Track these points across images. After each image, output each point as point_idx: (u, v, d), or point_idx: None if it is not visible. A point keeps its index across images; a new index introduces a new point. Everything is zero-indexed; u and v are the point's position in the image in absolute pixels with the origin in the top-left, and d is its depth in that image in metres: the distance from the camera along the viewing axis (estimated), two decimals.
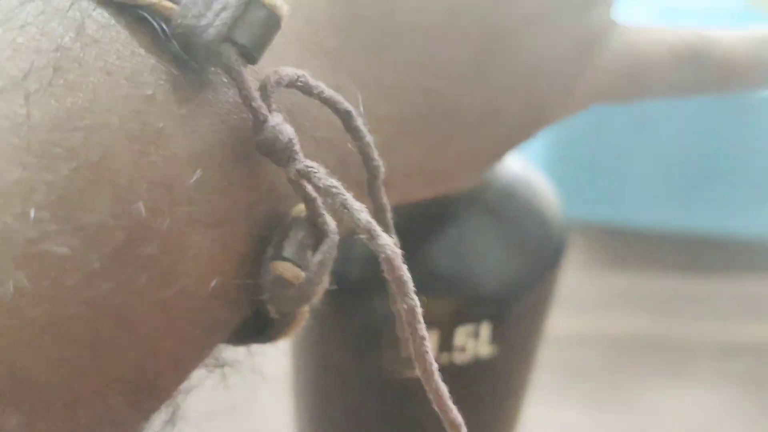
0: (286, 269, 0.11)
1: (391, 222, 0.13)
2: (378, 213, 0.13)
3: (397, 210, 0.19)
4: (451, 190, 0.18)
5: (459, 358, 0.19)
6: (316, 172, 0.11)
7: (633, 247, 0.54)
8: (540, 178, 0.23)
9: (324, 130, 0.12)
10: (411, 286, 0.11)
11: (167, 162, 0.10)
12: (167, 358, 0.11)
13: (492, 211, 0.20)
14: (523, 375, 0.23)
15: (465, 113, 0.14)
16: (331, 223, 0.12)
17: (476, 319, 0.19)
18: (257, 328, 0.12)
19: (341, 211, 0.11)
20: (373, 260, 0.18)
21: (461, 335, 0.19)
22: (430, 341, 0.18)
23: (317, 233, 0.12)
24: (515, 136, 0.16)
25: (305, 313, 0.12)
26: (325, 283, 0.12)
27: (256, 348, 0.14)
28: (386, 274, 0.11)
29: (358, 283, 0.19)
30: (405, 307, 0.11)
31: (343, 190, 0.11)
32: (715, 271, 0.52)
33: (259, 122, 0.10)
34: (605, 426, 0.39)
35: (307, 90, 0.11)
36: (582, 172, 0.53)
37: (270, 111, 0.10)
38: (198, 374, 0.12)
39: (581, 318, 0.47)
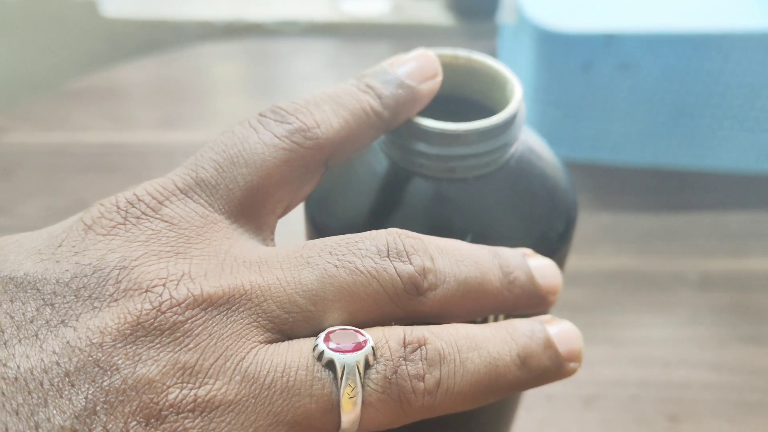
0: None
1: None
2: None
3: (424, 193, 0.19)
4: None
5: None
6: None
7: (616, 185, 0.55)
8: (546, 147, 0.23)
9: None
10: None
11: None
12: None
13: (511, 190, 0.20)
14: None
15: None
16: None
17: None
18: None
19: None
20: None
21: None
22: None
23: None
24: None
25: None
26: None
27: None
28: None
29: None
30: None
31: None
32: (695, 207, 0.54)
33: None
34: (597, 359, 0.42)
35: None
36: (568, 112, 0.54)
37: None
38: None
39: (569, 256, 0.48)
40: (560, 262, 0.22)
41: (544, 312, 0.19)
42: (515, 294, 0.17)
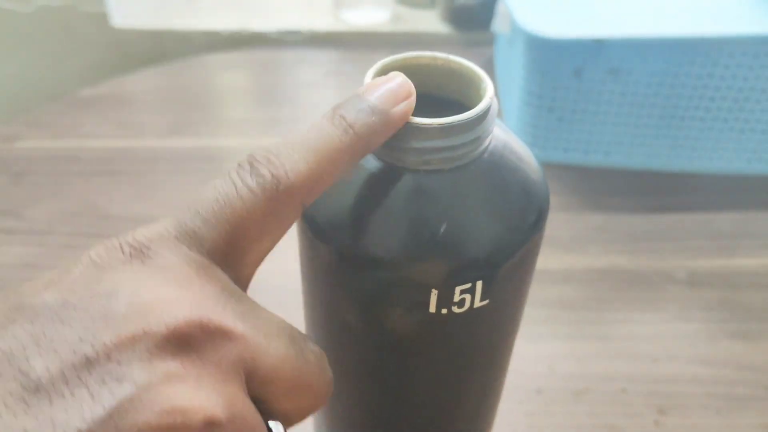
0: None
1: None
2: None
3: (402, 184, 0.21)
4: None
5: (457, 310, 0.22)
6: None
7: (608, 187, 0.57)
8: (522, 144, 0.25)
9: None
10: None
11: None
12: None
13: (484, 181, 0.21)
14: (513, 318, 0.25)
15: None
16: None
17: (472, 280, 0.21)
18: None
19: None
20: (379, 237, 0.21)
21: (459, 294, 0.21)
22: (431, 300, 0.21)
23: None
24: None
25: None
26: None
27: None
28: None
29: (366, 255, 0.21)
30: None
31: None
32: (684, 208, 0.55)
33: None
34: (586, 355, 0.43)
35: None
36: (560, 116, 0.55)
37: None
38: None
39: (561, 256, 0.50)
40: (533, 250, 0.23)
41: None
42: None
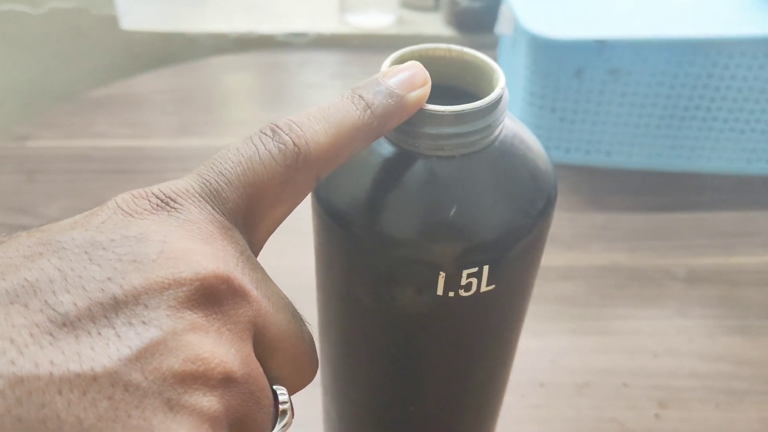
0: None
1: None
2: None
3: (415, 168, 0.22)
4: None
5: (464, 293, 0.22)
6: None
7: (609, 187, 0.57)
8: (531, 135, 0.25)
9: None
10: None
11: None
12: None
13: (494, 168, 0.22)
14: (519, 305, 0.26)
15: None
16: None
17: (479, 264, 0.22)
18: None
19: None
20: (390, 218, 0.21)
21: (466, 277, 0.22)
22: (438, 283, 0.22)
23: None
24: None
25: None
26: None
27: None
28: None
29: (378, 235, 0.22)
30: None
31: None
32: (684, 208, 0.55)
33: None
34: (588, 349, 0.44)
35: None
36: (562, 116, 0.56)
37: None
38: None
39: (564, 253, 0.51)
40: (540, 238, 0.24)
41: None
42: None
